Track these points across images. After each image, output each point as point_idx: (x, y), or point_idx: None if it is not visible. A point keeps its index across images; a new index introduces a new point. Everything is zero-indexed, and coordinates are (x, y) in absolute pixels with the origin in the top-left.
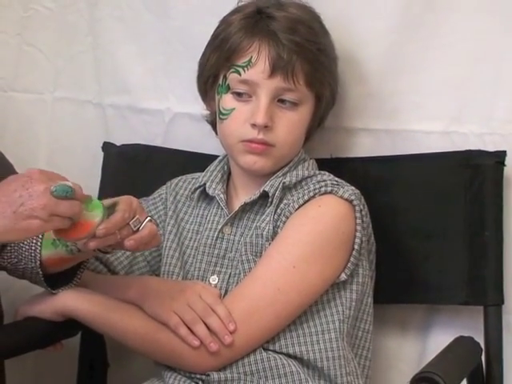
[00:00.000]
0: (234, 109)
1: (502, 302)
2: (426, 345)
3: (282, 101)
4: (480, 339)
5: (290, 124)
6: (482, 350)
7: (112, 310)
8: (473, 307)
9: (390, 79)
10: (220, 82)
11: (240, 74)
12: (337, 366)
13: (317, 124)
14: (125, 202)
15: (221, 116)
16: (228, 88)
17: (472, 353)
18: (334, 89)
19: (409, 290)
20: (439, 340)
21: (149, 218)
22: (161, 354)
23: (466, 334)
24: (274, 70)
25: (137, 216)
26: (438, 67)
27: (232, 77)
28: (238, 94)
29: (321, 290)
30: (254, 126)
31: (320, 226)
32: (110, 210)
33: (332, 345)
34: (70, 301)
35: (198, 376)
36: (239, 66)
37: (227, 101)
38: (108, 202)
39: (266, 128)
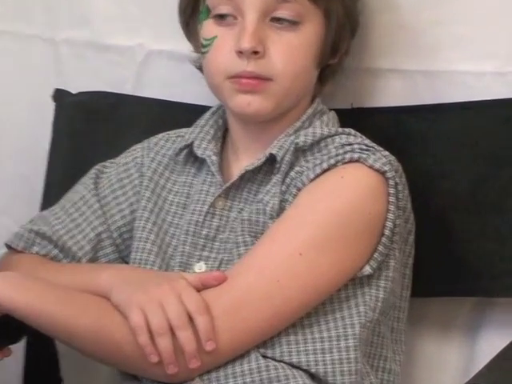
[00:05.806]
0: (215, 37)
1: None
2: (475, 350)
3: (276, 19)
4: None
5: (288, 49)
6: None
7: (59, 301)
8: None
9: (428, 6)
10: (200, 7)
11: None
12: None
13: (329, 52)
14: None
15: (202, 49)
16: (208, 12)
17: None
18: (349, 5)
19: (454, 278)
20: (492, 343)
21: None
22: (118, 360)
23: None
24: None
25: None
26: None
27: None
28: (220, 17)
29: (334, 285)
30: (240, 53)
31: (339, 203)
32: None
33: (349, 355)
34: (5, 289)
35: None
36: None
37: (208, 28)
38: None
39: (256, 55)
